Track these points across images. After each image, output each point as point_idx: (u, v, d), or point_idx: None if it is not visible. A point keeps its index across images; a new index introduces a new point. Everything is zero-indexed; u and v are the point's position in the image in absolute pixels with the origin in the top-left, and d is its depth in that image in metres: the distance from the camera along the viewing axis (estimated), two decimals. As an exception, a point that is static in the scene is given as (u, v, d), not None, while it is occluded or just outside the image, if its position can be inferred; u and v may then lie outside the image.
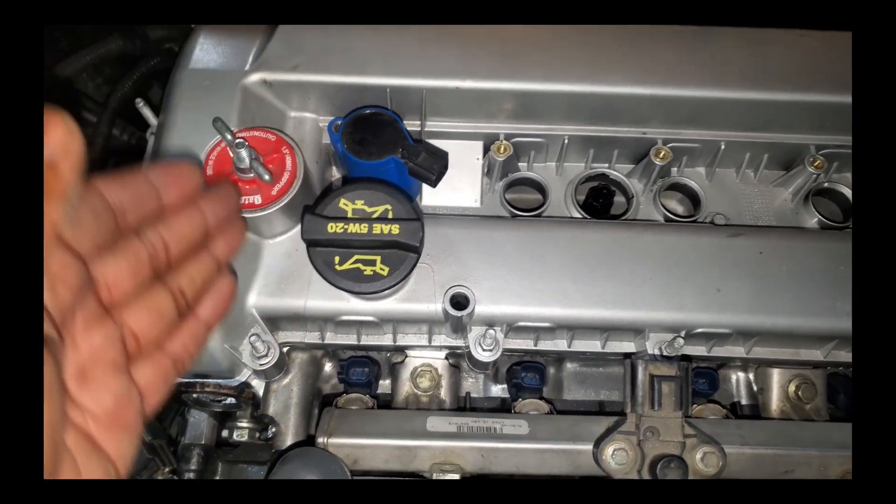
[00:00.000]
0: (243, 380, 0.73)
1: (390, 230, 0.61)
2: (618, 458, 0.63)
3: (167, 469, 0.71)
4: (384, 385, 0.83)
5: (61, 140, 0.36)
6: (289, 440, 0.76)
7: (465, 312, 0.69)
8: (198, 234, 0.51)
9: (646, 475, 0.63)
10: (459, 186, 0.83)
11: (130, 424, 0.42)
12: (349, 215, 0.63)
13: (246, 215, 0.67)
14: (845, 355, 0.76)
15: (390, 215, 0.63)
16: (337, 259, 0.62)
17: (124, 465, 0.42)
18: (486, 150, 0.82)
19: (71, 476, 0.37)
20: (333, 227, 0.61)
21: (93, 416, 0.40)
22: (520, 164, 0.86)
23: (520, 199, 0.87)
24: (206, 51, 0.80)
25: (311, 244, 0.62)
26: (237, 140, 0.67)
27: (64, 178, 0.36)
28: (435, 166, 0.71)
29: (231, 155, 0.67)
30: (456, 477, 0.65)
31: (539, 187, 0.85)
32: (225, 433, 0.80)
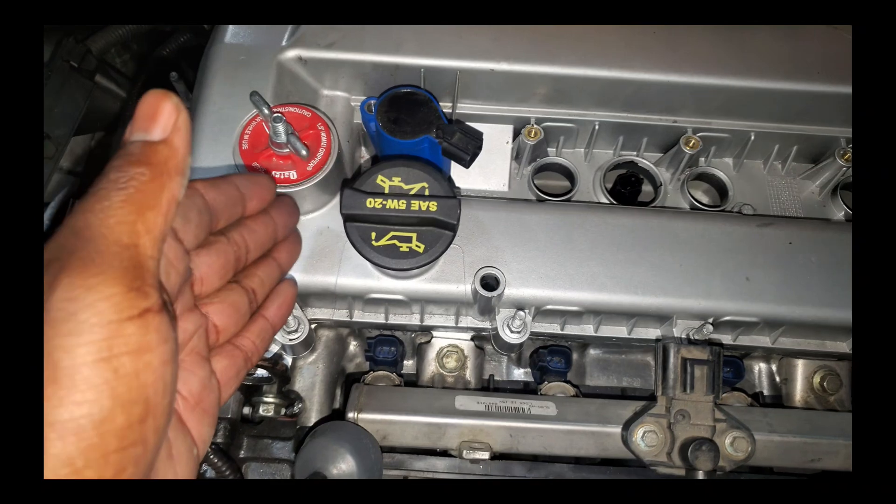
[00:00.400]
0: (271, 354, 0.74)
1: (428, 207, 0.61)
2: (648, 440, 0.64)
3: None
4: (408, 365, 0.83)
5: (171, 115, 0.39)
6: (313, 416, 0.77)
7: (494, 294, 0.69)
8: (270, 242, 0.56)
9: (676, 458, 0.63)
10: (488, 170, 0.83)
11: (210, 410, 0.46)
12: (386, 192, 0.63)
13: (280, 190, 0.67)
14: (871, 348, 0.76)
15: (427, 192, 0.63)
16: (373, 234, 0.62)
17: (204, 447, 0.45)
18: (516, 134, 0.83)
19: (165, 452, 0.41)
20: (372, 203, 0.61)
21: (182, 397, 0.44)
22: (549, 148, 0.86)
23: (547, 185, 0.88)
24: (242, 26, 0.80)
25: (348, 219, 0.62)
26: (274, 114, 0.67)
27: (179, 153, 0.39)
28: (469, 146, 0.72)
29: (267, 130, 0.67)
30: (485, 455, 0.65)
31: (567, 173, 0.85)
32: (247, 410, 0.81)
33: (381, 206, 0.61)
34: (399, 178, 0.64)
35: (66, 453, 0.32)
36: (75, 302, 0.33)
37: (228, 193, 0.51)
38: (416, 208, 0.61)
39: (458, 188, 0.81)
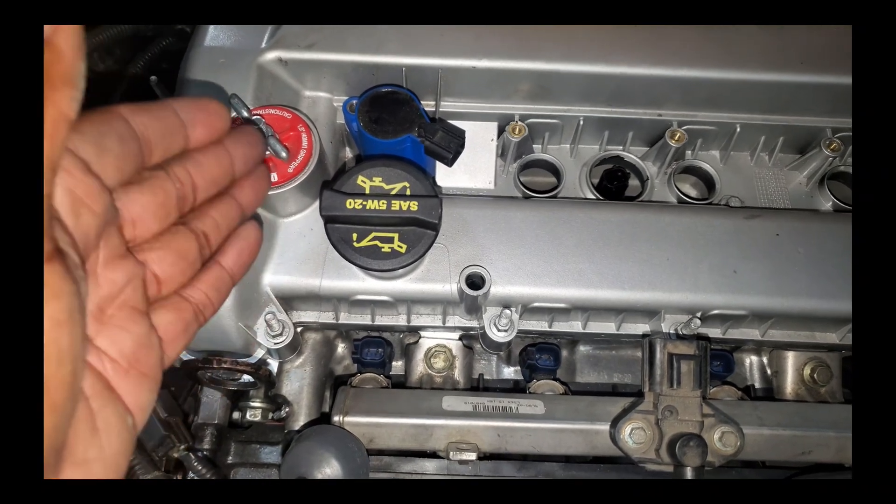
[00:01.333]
0: (259, 357, 0.73)
1: (409, 206, 0.61)
2: (635, 437, 0.63)
3: (182, 447, 0.71)
4: (396, 367, 0.82)
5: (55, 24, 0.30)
6: (301, 420, 0.76)
7: (480, 292, 0.68)
8: (224, 178, 0.47)
9: (664, 454, 0.63)
10: (473, 168, 0.82)
11: (150, 372, 0.39)
12: (367, 192, 0.63)
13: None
14: (861, 338, 0.75)
15: (408, 192, 0.63)
16: (355, 236, 0.62)
17: (142, 415, 0.39)
18: (501, 131, 0.82)
19: (86, 426, 0.34)
20: (352, 203, 0.61)
21: (110, 359, 0.37)
22: (534, 145, 0.85)
23: (533, 182, 0.87)
24: (222, 28, 0.79)
25: (329, 220, 0.62)
26: (253, 117, 0.66)
27: (65, 57, 0.31)
28: (452, 145, 0.71)
29: (247, 132, 0.66)
30: (472, 456, 0.65)
31: (553, 169, 0.85)
32: (236, 415, 0.80)
33: (361, 206, 0.61)
34: (380, 178, 0.64)
35: None
36: None
37: (164, 119, 0.42)
38: (397, 208, 0.61)
39: (440, 187, 0.81)
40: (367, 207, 0.61)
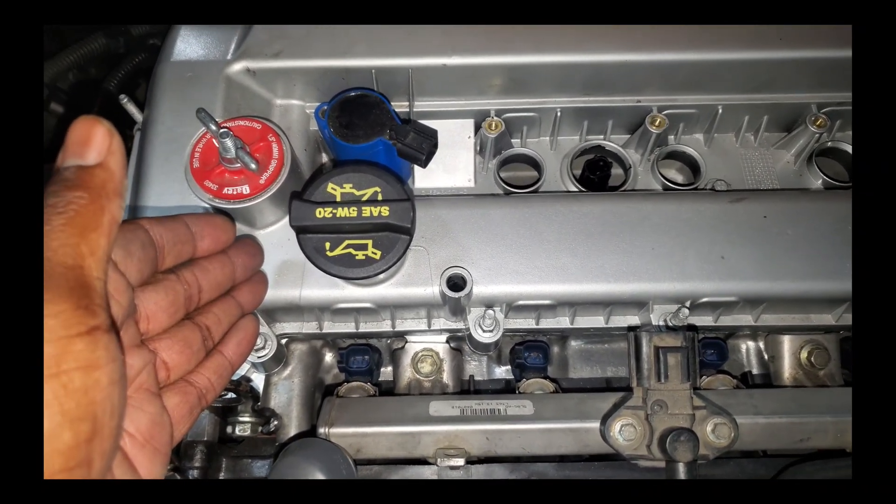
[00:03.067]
0: (242, 373, 0.72)
1: (380, 212, 0.60)
2: (626, 434, 0.62)
3: (169, 467, 0.70)
4: (386, 372, 0.81)
5: (104, 140, 0.40)
6: (292, 432, 0.75)
7: (462, 294, 0.67)
8: (227, 282, 0.55)
9: (655, 450, 0.61)
10: (452, 166, 0.81)
11: (162, 448, 0.45)
12: (338, 199, 0.61)
13: (234, 206, 0.66)
14: (857, 318, 0.73)
15: (380, 197, 0.61)
16: (328, 245, 0.61)
17: None
18: (478, 127, 0.81)
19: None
20: (322, 213, 0.59)
21: (129, 435, 0.43)
22: (513, 140, 0.84)
23: (515, 177, 0.86)
24: (188, 42, 0.78)
25: (300, 231, 0.60)
26: (221, 130, 0.65)
27: (115, 175, 0.40)
28: (424, 145, 0.70)
29: (216, 145, 0.65)
30: (461, 462, 0.64)
31: (533, 163, 0.83)
32: (229, 429, 0.79)
33: (331, 215, 0.60)
34: (350, 185, 0.63)
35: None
36: None
37: (176, 231, 0.50)
38: (368, 214, 0.60)
39: (417, 188, 0.80)
40: (338, 215, 0.60)
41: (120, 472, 0.41)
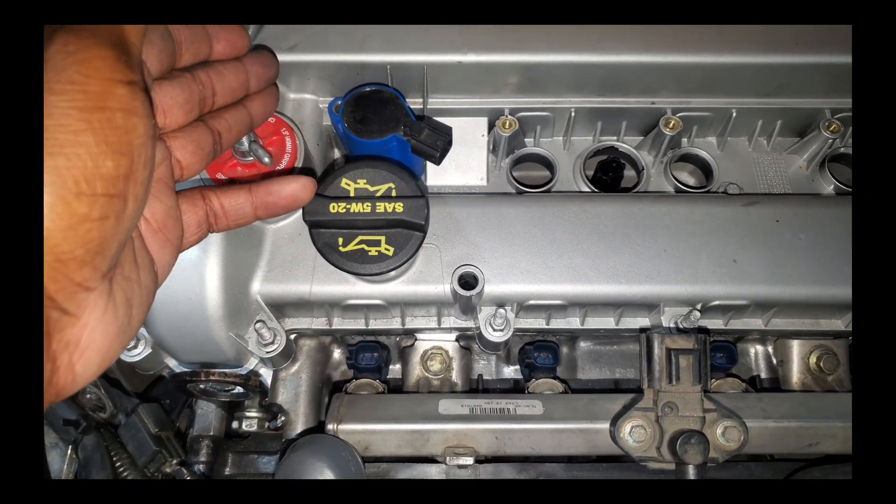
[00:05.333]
0: (251, 368, 0.72)
1: (394, 208, 0.59)
2: (636, 436, 0.62)
3: (175, 461, 0.70)
4: (394, 370, 0.81)
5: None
6: (299, 428, 0.75)
7: (473, 292, 0.67)
8: (240, 89, 0.55)
9: (665, 452, 0.61)
10: (465, 164, 0.81)
11: (173, 240, 0.47)
12: (352, 195, 0.61)
13: None
14: (867, 324, 0.73)
15: (394, 193, 0.61)
16: (340, 240, 0.61)
17: (164, 272, 0.47)
18: (491, 126, 0.80)
19: (129, 256, 0.42)
20: (335, 207, 0.59)
21: (145, 220, 0.45)
22: (526, 139, 0.84)
23: (527, 177, 0.85)
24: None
25: (313, 226, 0.60)
26: (235, 123, 0.65)
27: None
28: (439, 142, 0.69)
29: (230, 138, 0.65)
30: (470, 461, 0.63)
31: (546, 163, 0.83)
32: (235, 424, 0.79)
33: (345, 210, 0.59)
34: (364, 180, 0.62)
35: (60, 193, 0.34)
36: (71, 55, 0.36)
37: (193, 29, 0.50)
38: (382, 210, 0.60)
39: (430, 186, 0.79)
40: (352, 211, 0.59)
41: (138, 246, 0.44)
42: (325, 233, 0.60)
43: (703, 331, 0.68)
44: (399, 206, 0.59)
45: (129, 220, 0.39)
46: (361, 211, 0.59)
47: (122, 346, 0.42)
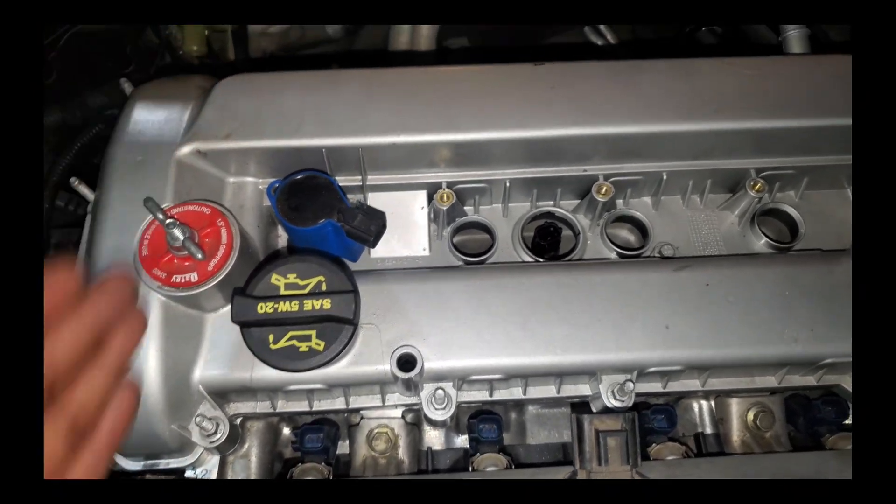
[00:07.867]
0: (196, 457, 0.72)
1: (322, 305, 0.61)
2: (571, 515, 0.63)
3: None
4: (344, 446, 0.82)
5: None
6: (250, 510, 0.75)
7: (412, 374, 0.68)
8: (87, 339, 0.45)
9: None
10: (407, 236, 0.82)
11: None
12: (281, 291, 0.62)
13: (183, 294, 0.67)
14: (799, 379, 0.75)
15: (324, 287, 0.63)
16: (271, 337, 0.62)
17: None
18: (431, 198, 0.82)
19: None
20: (263, 308, 0.60)
21: None
22: (466, 206, 0.85)
23: (470, 241, 0.87)
24: (139, 123, 0.79)
25: (243, 325, 0.61)
26: (168, 220, 0.66)
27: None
28: (372, 227, 0.71)
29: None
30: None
31: (486, 229, 0.85)
32: None
33: (273, 309, 0.60)
34: (294, 275, 0.64)
35: None
36: None
37: None
38: (310, 308, 0.61)
39: (376, 258, 0.81)
40: (280, 310, 0.60)
41: None
42: (256, 331, 0.61)
43: (635, 408, 0.69)
44: (327, 303, 0.61)
45: None
46: (289, 310, 0.61)
47: None
